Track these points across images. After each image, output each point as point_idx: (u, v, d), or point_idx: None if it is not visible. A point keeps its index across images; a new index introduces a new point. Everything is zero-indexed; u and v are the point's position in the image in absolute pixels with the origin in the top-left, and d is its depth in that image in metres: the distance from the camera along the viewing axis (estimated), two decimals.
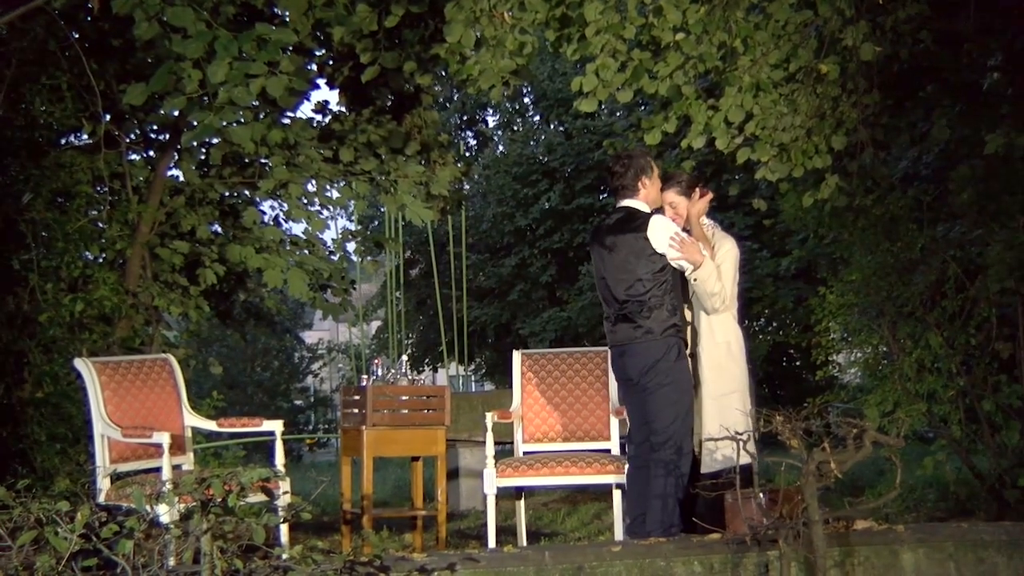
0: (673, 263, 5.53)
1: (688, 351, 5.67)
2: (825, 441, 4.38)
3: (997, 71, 8.20)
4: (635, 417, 5.60)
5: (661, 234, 5.52)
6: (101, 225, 8.13)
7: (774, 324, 18.36)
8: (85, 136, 8.32)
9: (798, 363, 19.67)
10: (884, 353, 8.10)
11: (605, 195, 22.05)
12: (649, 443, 5.47)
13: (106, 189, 8.20)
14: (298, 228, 9.02)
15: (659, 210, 5.75)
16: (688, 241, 5.56)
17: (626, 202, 5.69)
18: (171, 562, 4.02)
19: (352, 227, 12.09)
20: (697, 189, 5.78)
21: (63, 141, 8.41)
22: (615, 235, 5.62)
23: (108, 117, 8.09)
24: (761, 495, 4.64)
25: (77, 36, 7.89)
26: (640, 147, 9.55)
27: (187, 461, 6.07)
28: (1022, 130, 6.66)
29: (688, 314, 5.73)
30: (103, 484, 5.63)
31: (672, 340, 5.48)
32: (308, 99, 8.97)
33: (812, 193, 7.09)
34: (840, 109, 6.71)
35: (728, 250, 5.76)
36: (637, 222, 5.57)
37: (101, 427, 5.72)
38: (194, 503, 3.91)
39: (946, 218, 8.06)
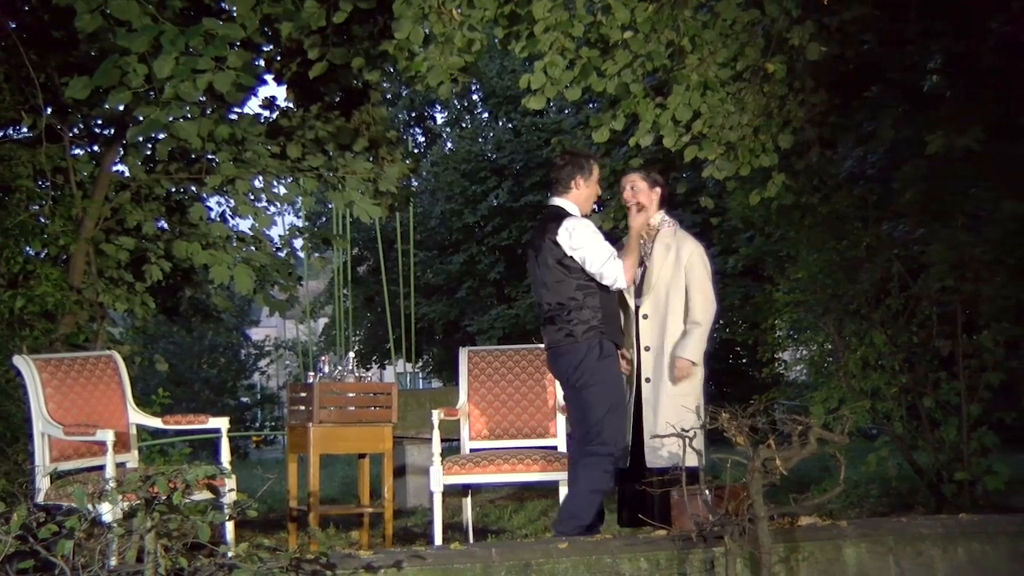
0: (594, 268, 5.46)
1: (645, 346, 5.70)
2: (771, 438, 4.41)
3: (936, 73, 8.32)
4: (573, 415, 5.64)
5: (572, 237, 5.42)
6: (43, 220, 8.01)
7: (721, 321, 18.48)
8: (25, 129, 8.20)
9: (744, 360, 19.85)
10: (829, 351, 8.18)
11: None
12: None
13: (48, 184, 8.09)
14: (245, 224, 8.96)
15: (616, 206, 5.76)
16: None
17: (557, 200, 5.63)
18: (113, 562, 3.97)
19: (299, 223, 12.01)
20: (636, 203, 5.73)
21: (1, 134, 8.27)
22: (539, 238, 5.58)
23: (50, 110, 7.97)
24: (707, 492, 4.67)
25: (15, 26, 7.76)
26: (591, 149, 9.61)
27: (132, 459, 6.00)
28: (961, 132, 6.75)
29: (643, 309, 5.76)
30: (42, 483, 5.54)
31: (593, 341, 5.43)
32: (256, 95, 8.89)
33: (759, 191, 7.15)
34: (787, 108, 6.77)
35: (692, 251, 5.81)
36: (553, 225, 5.50)
37: (42, 425, 5.64)
38: (138, 501, 3.87)
39: (891, 217, 8.15)
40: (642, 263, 5.79)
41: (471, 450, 6.37)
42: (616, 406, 5.47)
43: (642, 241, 5.83)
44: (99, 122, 8.69)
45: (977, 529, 4.87)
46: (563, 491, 6.02)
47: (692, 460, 4.76)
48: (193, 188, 8.79)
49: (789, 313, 8.67)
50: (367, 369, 7.16)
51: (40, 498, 5.47)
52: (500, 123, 25.48)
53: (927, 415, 7.28)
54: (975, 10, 6.89)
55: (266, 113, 9.05)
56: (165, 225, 8.71)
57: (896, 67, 7.54)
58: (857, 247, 7.61)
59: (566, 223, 5.46)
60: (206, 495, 4.91)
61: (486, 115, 26.44)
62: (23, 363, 5.78)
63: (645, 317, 5.76)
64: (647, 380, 5.72)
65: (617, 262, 5.44)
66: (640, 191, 5.87)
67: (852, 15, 6.68)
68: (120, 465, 5.68)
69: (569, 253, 5.43)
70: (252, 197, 8.67)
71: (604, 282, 5.46)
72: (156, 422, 6.15)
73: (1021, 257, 7.03)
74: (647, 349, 5.73)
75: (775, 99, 6.72)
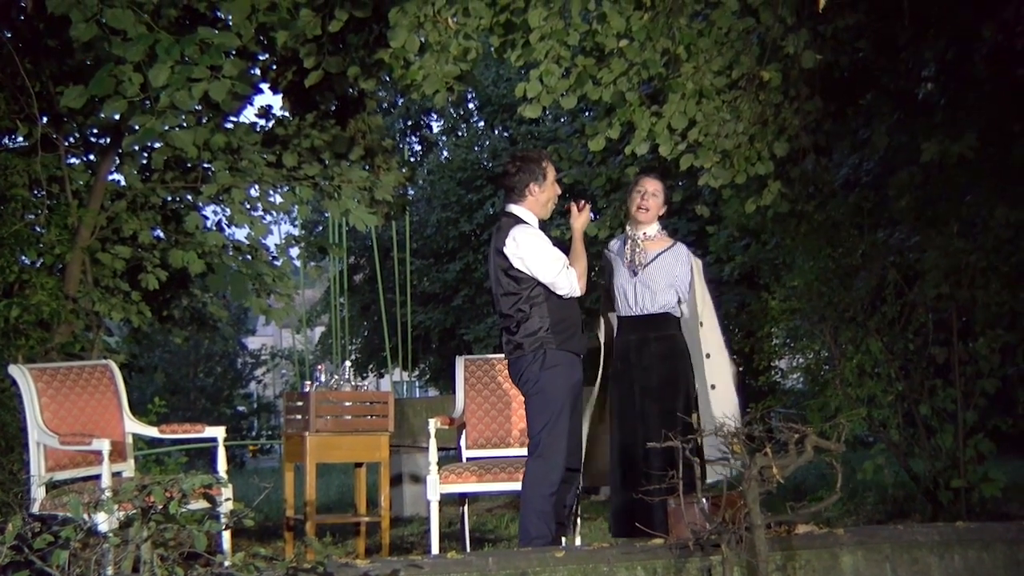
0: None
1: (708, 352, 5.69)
2: (767, 446, 4.41)
3: (931, 81, 8.34)
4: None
5: (519, 246, 5.31)
6: (39, 229, 8.00)
7: None
8: (20, 138, 8.19)
9: (741, 368, 19.81)
10: (825, 358, 8.20)
11: None
12: None
13: (43, 193, 8.08)
14: (241, 233, 8.97)
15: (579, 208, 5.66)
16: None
17: (511, 207, 5.48)
18: (109, 571, 3.96)
19: (295, 232, 12.00)
20: (575, 203, 5.62)
21: None
22: (491, 246, 5.48)
23: (45, 119, 7.96)
24: (704, 500, 4.66)
25: (9, 35, 7.76)
26: (587, 157, 9.62)
27: (128, 468, 5.99)
28: (956, 138, 6.77)
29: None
30: (38, 493, 5.53)
31: (539, 352, 5.31)
32: (251, 103, 8.90)
33: (755, 199, 7.16)
34: (782, 116, 6.79)
35: (690, 256, 5.87)
36: (501, 235, 5.37)
37: (37, 435, 5.63)
38: (134, 510, 3.86)
39: (886, 224, 8.17)
40: (636, 272, 5.80)
41: (468, 459, 6.36)
42: (558, 418, 5.31)
43: (639, 250, 5.82)
44: (95, 131, 8.68)
45: (973, 536, 4.87)
46: None
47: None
48: (189, 197, 8.78)
49: (785, 321, 8.68)
50: (363, 378, 7.15)
51: (35, 508, 5.45)
52: (496, 131, 25.48)
53: (923, 422, 7.28)
54: (967, 18, 6.91)
55: (262, 122, 9.05)
56: (161, 234, 8.69)
57: (890, 74, 7.57)
58: (852, 254, 7.63)
59: (512, 232, 5.33)
60: (202, 504, 4.91)
61: (482, 123, 26.45)
62: (18, 372, 5.77)
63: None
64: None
65: (571, 271, 5.34)
66: (658, 198, 5.84)
67: (846, 23, 6.71)
68: (116, 474, 5.67)
69: (515, 264, 5.31)
70: (248, 206, 8.66)
71: (559, 292, 5.34)
72: (152, 431, 6.14)
73: (1015, 264, 7.05)
74: None
75: (770, 107, 6.74)
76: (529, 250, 5.31)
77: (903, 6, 6.59)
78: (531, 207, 5.45)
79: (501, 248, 5.34)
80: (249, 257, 8.87)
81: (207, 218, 8.93)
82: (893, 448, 7.45)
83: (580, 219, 5.57)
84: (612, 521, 5.89)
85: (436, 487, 5.95)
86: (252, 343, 33.33)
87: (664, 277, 5.75)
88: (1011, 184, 7.21)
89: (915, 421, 7.32)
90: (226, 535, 5.51)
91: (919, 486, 7.41)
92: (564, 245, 5.55)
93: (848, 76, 7.40)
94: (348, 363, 7.15)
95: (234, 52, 6.80)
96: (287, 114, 9.00)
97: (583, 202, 5.64)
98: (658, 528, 4.94)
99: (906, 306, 7.37)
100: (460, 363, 6.58)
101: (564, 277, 5.33)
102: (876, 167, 9.23)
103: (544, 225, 5.55)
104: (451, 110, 25.98)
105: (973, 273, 7.09)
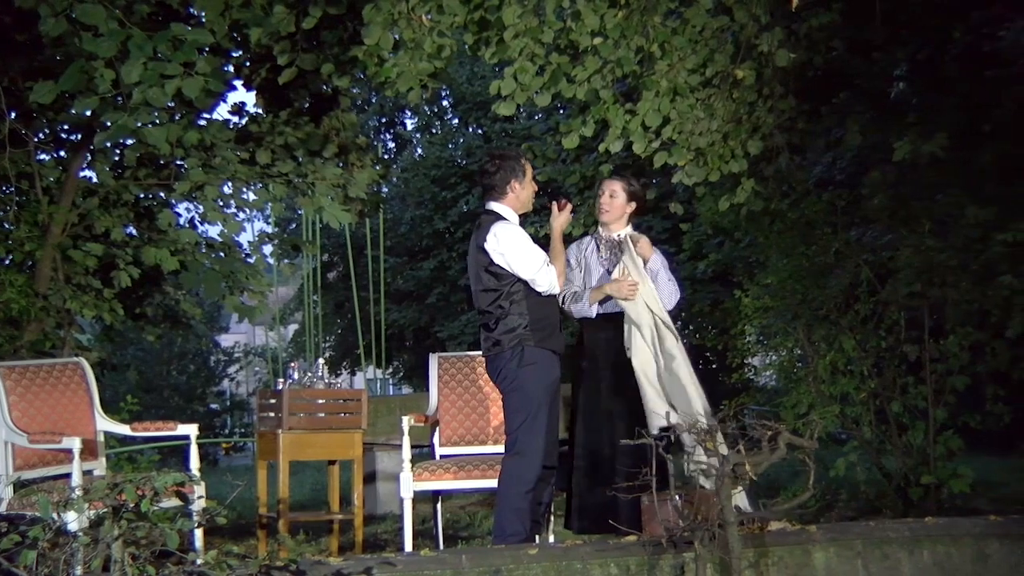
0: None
1: (680, 347, 5.69)
2: (740, 443, 4.42)
3: (903, 80, 8.40)
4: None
5: (499, 242, 5.34)
6: (8, 226, 7.94)
7: (691, 327, 18.57)
8: None
9: (714, 365, 19.88)
10: (799, 356, 8.22)
11: None
12: None
13: (12, 189, 8.01)
14: (214, 231, 8.93)
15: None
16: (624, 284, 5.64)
17: (492, 204, 5.50)
18: (79, 571, 3.93)
19: (269, 229, 11.96)
20: (556, 201, 5.66)
21: None
22: (472, 243, 5.50)
23: (14, 115, 7.90)
24: (677, 497, 4.68)
25: None
26: (560, 155, 9.62)
27: (99, 466, 5.95)
28: (928, 138, 6.81)
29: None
30: (5, 493, 5.48)
31: (516, 349, 5.33)
32: (225, 100, 8.87)
33: (728, 197, 7.18)
34: (756, 114, 6.81)
35: (657, 258, 5.88)
36: (482, 231, 5.40)
37: (5, 433, 5.57)
38: (105, 509, 3.84)
39: (859, 222, 8.20)
40: (610, 272, 5.82)
41: (441, 456, 6.35)
42: (536, 416, 5.33)
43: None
44: (65, 127, 8.62)
45: (942, 532, 4.91)
46: None
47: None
48: (162, 194, 8.74)
49: (758, 318, 8.70)
50: (337, 375, 7.13)
51: (3, 508, 5.41)
52: (470, 129, 25.47)
53: (895, 419, 7.32)
54: (939, 20, 6.96)
55: (235, 119, 9.02)
56: (134, 231, 8.65)
57: (863, 74, 7.61)
58: (826, 253, 7.66)
59: (493, 228, 5.36)
60: (175, 502, 4.88)
61: (456, 121, 26.44)
62: None
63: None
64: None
65: (550, 268, 5.39)
66: (617, 199, 5.86)
67: (820, 22, 6.74)
68: (87, 473, 5.63)
69: (496, 260, 5.34)
70: (221, 203, 8.62)
71: (538, 288, 5.37)
72: (124, 429, 6.09)
73: (985, 262, 7.10)
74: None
75: (744, 105, 6.76)
76: (510, 246, 5.34)
77: (876, 7, 6.63)
78: (511, 204, 5.50)
79: (482, 244, 5.36)
80: (222, 254, 8.84)
81: (180, 215, 8.90)
82: (865, 445, 7.49)
83: (561, 218, 5.61)
84: (576, 518, 5.89)
85: (409, 484, 5.94)
86: (225, 341, 33.19)
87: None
88: (981, 183, 7.27)
89: (887, 418, 7.36)
90: (198, 533, 5.48)
91: (891, 483, 7.45)
92: (539, 242, 5.57)
93: (822, 75, 7.44)
94: (321, 360, 7.14)
95: (207, 49, 6.77)
96: (261, 111, 8.97)
97: (564, 201, 5.67)
98: (627, 526, 4.95)
99: (879, 304, 7.40)
100: (434, 360, 6.57)
101: (544, 274, 5.36)
102: (850, 166, 9.29)
103: (520, 222, 5.57)
104: (425, 107, 25.95)
105: (944, 271, 7.13)
